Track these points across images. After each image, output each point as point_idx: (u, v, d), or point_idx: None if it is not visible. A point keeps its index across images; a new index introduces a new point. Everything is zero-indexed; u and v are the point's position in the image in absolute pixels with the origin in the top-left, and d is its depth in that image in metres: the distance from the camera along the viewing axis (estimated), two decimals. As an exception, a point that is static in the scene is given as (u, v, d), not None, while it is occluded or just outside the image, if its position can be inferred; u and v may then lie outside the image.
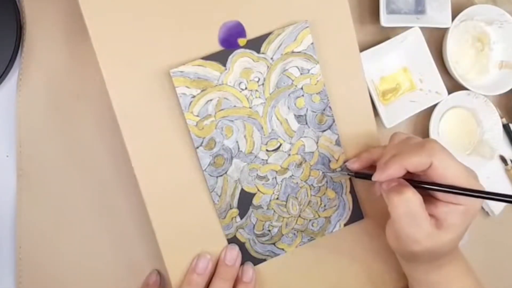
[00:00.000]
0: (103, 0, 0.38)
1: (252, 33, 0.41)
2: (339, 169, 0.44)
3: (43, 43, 0.45)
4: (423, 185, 0.37)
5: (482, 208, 0.57)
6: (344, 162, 0.44)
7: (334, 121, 0.43)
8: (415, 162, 0.35)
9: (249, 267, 0.42)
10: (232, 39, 0.40)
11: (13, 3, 0.43)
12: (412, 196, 0.36)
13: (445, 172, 0.35)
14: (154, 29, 0.39)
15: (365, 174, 0.41)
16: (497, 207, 0.57)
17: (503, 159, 0.57)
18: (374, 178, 0.38)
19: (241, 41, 0.40)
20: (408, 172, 0.37)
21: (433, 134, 0.53)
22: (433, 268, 0.40)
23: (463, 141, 0.56)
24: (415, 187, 0.37)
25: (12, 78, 0.45)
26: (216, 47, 0.40)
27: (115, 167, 0.46)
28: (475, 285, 0.41)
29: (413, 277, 0.42)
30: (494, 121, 0.55)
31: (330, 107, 0.43)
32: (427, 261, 0.39)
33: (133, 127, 0.39)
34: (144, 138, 0.39)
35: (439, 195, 0.37)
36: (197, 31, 0.40)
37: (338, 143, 0.44)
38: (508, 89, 0.55)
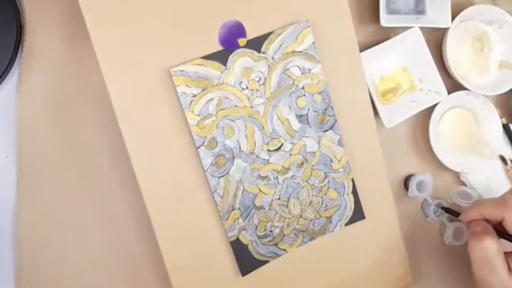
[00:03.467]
0: (103, 0, 0.38)
1: (252, 33, 0.41)
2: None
3: (43, 43, 0.45)
4: (504, 236, 0.40)
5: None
6: (347, 162, 0.44)
7: (336, 121, 0.43)
8: (488, 211, 0.41)
9: None
10: (232, 39, 0.40)
11: (13, 3, 0.43)
12: (489, 244, 0.39)
13: None
14: (155, 29, 0.39)
15: (455, 212, 0.48)
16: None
17: (503, 159, 0.57)
18: (460, 217, 0.44)
19: (241, 41, 0.40)
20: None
21: (433, 134, 0.53)
22: None
23: (463, 141, 0.56)
24: (502, 236, 0.40)
25: (12, 78, 0.45)
26: (216, 47, 0.40)
27: (115, 167, 0.45)
28: None
29: None
30: (494, 121, 0.55)
31: (332, 107, 0.43)
32: None
33: (133, 126, 0.39)
34: (144, 138, 0.39)
35: None
36: (197, 31, 0.40)
37: (340, 143, 0.44)
38: (508, 89, 0.55)
